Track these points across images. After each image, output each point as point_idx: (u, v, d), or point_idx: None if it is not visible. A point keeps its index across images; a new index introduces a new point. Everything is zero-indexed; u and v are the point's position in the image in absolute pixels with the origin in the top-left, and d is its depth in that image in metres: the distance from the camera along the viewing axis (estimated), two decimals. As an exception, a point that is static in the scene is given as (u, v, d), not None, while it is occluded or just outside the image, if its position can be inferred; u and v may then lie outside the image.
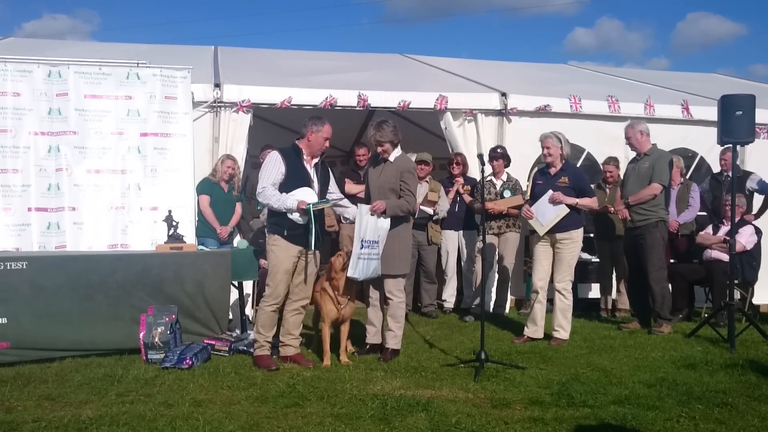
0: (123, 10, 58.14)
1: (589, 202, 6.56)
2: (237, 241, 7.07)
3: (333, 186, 5.77)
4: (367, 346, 5.95)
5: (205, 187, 7.28)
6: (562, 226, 6.35)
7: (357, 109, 7.97)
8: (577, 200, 6.38)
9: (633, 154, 7.27)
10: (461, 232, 8.08)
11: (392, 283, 5.74)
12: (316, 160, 5.56)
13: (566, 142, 6.49)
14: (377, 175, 5.77)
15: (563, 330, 6.42)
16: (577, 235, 6.43)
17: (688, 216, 7.95)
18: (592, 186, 8.02)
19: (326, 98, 7.76)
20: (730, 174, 7.70)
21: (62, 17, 56.07)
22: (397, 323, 5.77)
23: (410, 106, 8.00)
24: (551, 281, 6.49)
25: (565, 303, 6.43)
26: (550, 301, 6.57)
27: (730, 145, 6.68)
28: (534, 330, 6.50)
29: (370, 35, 60.69)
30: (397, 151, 5.74)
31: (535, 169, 6.59)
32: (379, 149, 5.71)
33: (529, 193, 6.98)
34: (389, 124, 5.69)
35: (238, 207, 7.48)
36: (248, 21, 60.83)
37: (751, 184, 8.10)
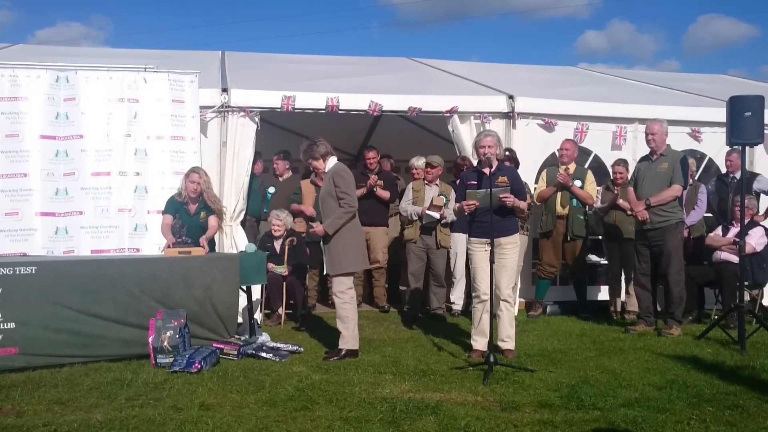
0: (135, 16, 58.14)
1: (524, 206, 6.12)
2: (246, 245, 7.06)
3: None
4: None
5: (169, 207, 6.67)
6: (507, 230, 5.93)
7: (363, 112, 7.96)
8: (521, 203, 5.97)
9: (639, 156, 7.19)
10: (470, 234, 8.07)
11: (335, 282, 5.95)
12: None
13: (501, 143, 6.20)
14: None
15: (511, 340, 6.00)
16: (518, 238, 6.14)
17: (694, 217, 7.88)
18: (600, 187, 8.05)
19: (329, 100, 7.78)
20: (736, 175, 7.66)
21: (76, 24, 56.20)
22: (343, 324, 5.87)
23: (417, 109, 7.98)
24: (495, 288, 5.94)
25: (511, 312, 6.04)
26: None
27: (737, 147, 6.62)
28: (484, 343, 5.84)
29: (379, 39, 60.55)
30: (332, 160, 6.00)
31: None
32: (313, 168, 6.18)
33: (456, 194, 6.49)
34: (308, 143, 6.01)
35: (212, 220, 6.73)
36: (256, 26, 60.85)
37: (758, 185, 8.00)
